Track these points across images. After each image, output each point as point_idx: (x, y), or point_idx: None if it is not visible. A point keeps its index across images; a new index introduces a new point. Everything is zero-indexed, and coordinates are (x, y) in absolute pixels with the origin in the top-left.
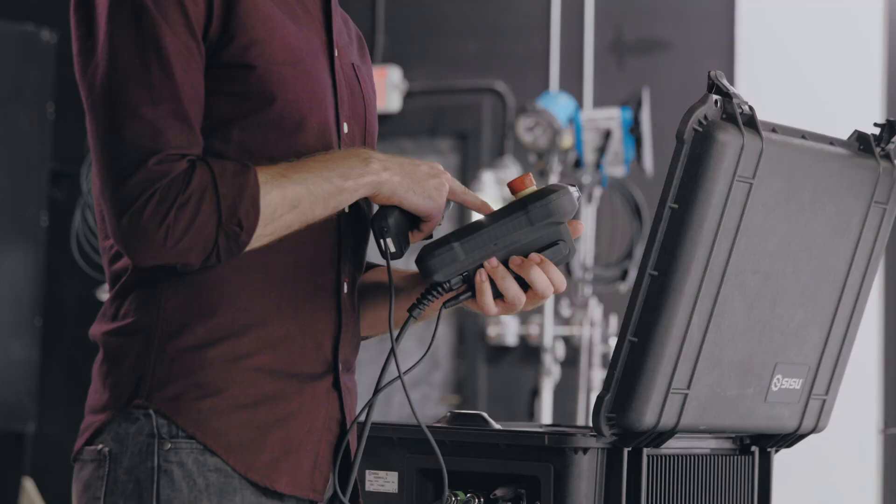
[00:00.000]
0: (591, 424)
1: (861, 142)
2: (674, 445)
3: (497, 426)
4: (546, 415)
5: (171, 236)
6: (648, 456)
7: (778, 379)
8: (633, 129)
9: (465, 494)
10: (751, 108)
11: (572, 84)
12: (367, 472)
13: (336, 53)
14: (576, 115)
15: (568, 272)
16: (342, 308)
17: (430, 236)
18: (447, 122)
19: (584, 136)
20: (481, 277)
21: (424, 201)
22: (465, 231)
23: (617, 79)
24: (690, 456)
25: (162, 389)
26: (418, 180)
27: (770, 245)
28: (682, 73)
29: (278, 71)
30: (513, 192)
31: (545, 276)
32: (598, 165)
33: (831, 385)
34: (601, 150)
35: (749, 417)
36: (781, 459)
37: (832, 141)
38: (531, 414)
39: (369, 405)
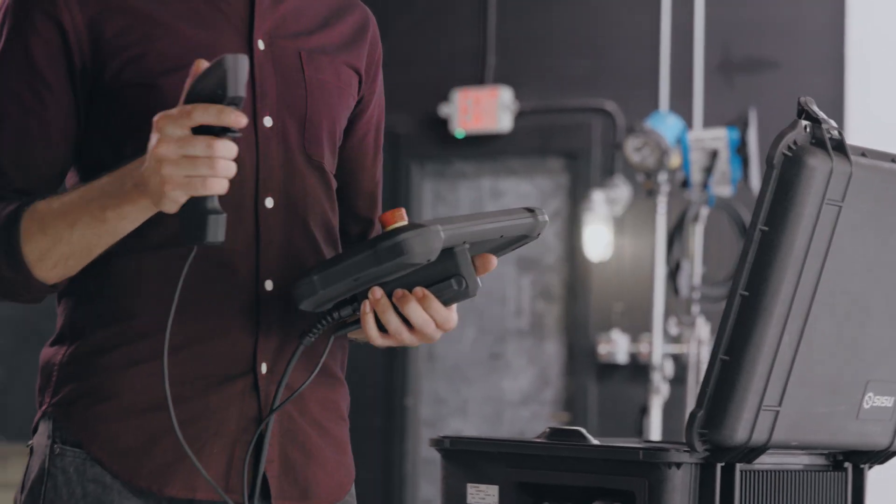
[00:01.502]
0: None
1: None
2: (766, 461)
3: (595, 441)
4: (655, 432)
5: None
6: (741, 471)
7: (869, 397)
8: (740, 149)
9: None
10: (840, 132)
11: (681, 103)
12: (468, 485)
13: (261, 48)
14: (683, 136)
15: (675, 291)
16: (262, 307)
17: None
18: (557, 141)
19: (691, 156)
20: (365, 309)
21: (162, 204)
22: (326, 263)
23: (726, 97)
24: (783, 471)
25: (59, 394)
26: (152, 186)
27: (859, 266)
28: (791, 91)
29: (158, 82)
30: (382, 226)
31: (423, 313)
32: (705, 185)
33: None
34: (708, 170)
35: (840, 434)
36: (879, 476)
37: None
38: (640, 431)
39: (282, 401)
